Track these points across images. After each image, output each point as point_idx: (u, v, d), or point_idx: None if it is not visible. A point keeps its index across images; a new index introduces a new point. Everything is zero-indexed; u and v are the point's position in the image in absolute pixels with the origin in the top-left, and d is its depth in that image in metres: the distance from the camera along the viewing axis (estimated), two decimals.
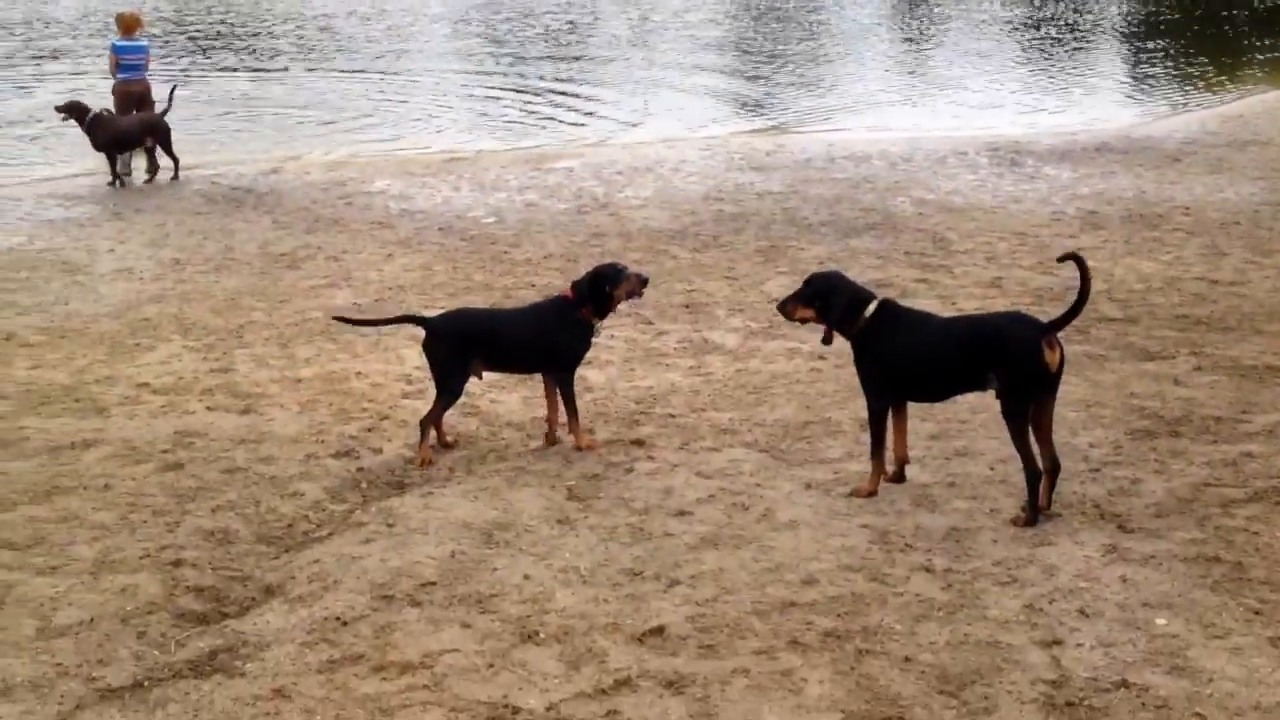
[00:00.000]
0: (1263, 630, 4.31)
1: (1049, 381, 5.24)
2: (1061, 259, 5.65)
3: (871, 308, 5.60)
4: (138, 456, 6.23)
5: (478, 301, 9.11)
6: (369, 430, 6.68)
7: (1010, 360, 5.21)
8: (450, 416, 6.84)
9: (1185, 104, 19.24)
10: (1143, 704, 3.94)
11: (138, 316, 8.81)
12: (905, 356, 5.55)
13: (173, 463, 6.14)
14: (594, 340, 6.50)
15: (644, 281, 6.41)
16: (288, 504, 5.72)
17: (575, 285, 6.37)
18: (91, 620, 4.63)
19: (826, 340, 5.75)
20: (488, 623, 4.56)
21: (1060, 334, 5.27)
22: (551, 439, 6.42)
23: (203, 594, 4.86)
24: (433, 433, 6.37)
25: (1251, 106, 17.92)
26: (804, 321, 5.80)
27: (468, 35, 28.57)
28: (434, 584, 4.85)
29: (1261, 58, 24.32)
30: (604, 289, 6.28)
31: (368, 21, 30.72)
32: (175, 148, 13.64)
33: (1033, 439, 5.30)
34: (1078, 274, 5.30)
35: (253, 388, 7.33)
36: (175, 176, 13.61)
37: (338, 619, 4.58)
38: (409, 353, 7.98)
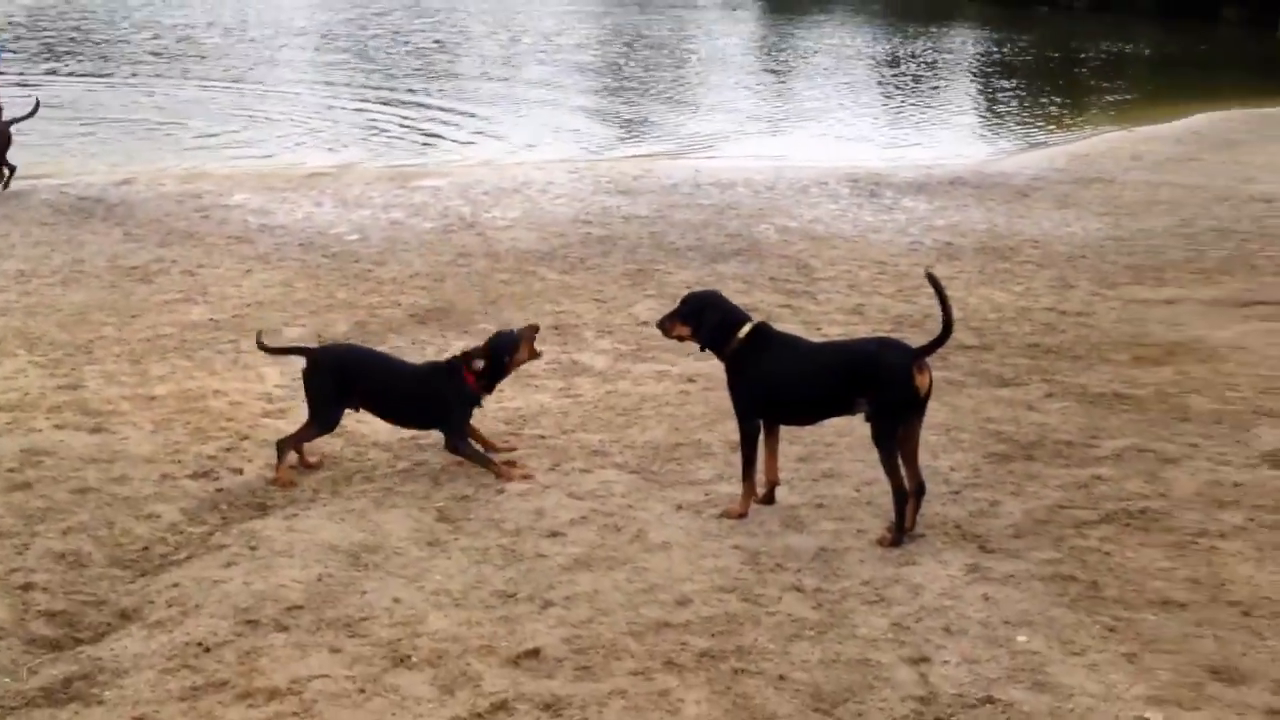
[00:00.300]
0: (1118, 646, 4.46)
1: (918, 405, 5.35)
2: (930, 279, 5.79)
3: (746, 329, 5.66)
4: None
5: (340, 320, 8.98)
6: (228, 450, 6.49)
7: (882, 384, 5.30)
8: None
9: (1037, 141, 19.96)
10: (1008, 719, 4.03)
11: None
12: (777, 380, 5.61)
13: (20, 482, 5.88)
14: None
15: (535, 329, 6.43)
16: (143, 526, 5.52)
17: (466, 356, 6.29)
18: None
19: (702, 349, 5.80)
20: (357, 647, 4.46)
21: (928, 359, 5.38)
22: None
23: (55, 619, 4.66)
24: (293, 454, 6.24)
25: (1096, 146, 18.65)
26: (681, 339, 5.83)
27: (335, 51, 28.22)
28: (300, 608, 4.73)
29: (1108, 99, 25.37)
30: (502, 360, 6.27)
31: (230, 34, 30.12)
32: (18, 157, 13.16)
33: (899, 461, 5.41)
34: (937, 301, 5.41)
35: (104, 405, 7.07)
36: (5, 185, 13.06)
37: (199, 644, 4.43)
38: (270, 371, 7.80)
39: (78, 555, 5.17)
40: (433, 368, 6.52)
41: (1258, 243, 11.91)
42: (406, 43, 29.69)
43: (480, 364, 6.22)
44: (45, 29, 28.23)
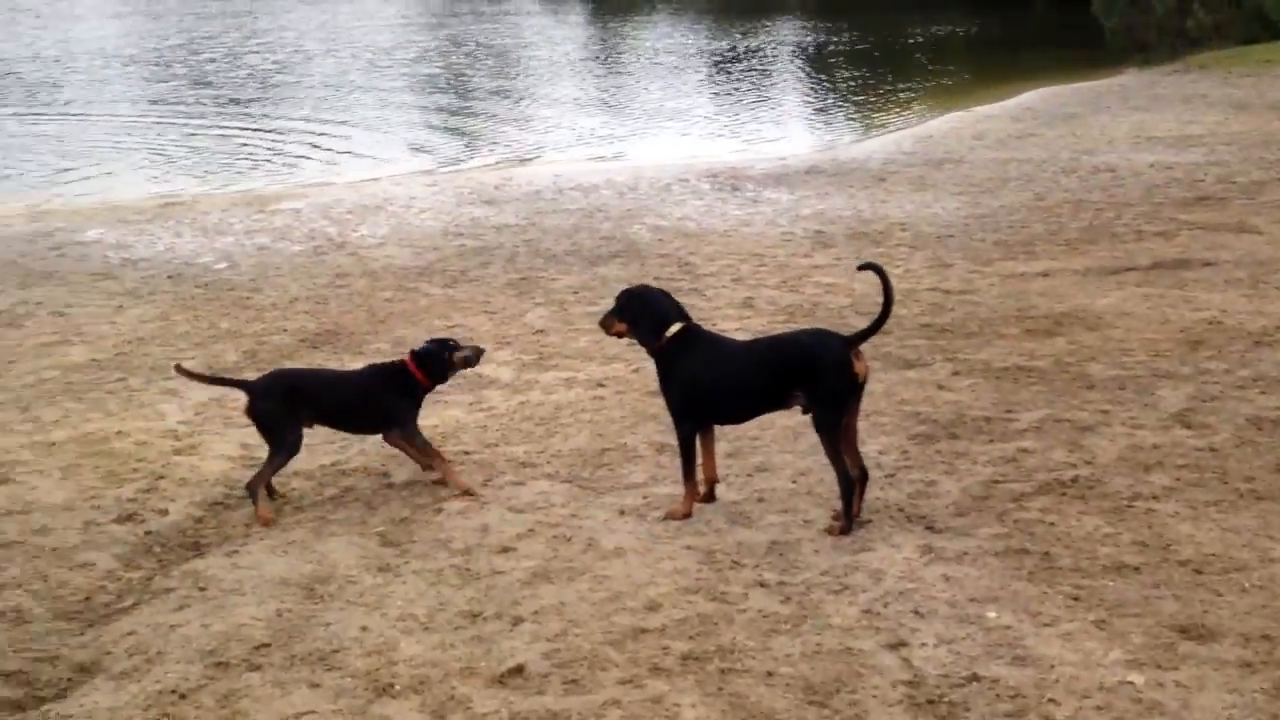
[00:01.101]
0: (1086, 615, 4.59)
1: (857, 393, 5.44)
2: (861, 268, 5.89)
3: (674, 329, 5.68)
4: None
5: (228, 350, 8.74)
6: (147, 492, 6.26)
7: (821, 375, 5.37)
8: (233, 471, 6.53)
9: (881, 126, 20.45)
10: (997, 695, 4.13)
11: None
12: (706, 380, 5.64)
13: None
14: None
15: (480, 353, 6.52)
16: (79, 576, 5.29)
17: (414, 353, 6.32)
18: None
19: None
20: (336, 680, 4.35)
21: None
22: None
23: (10, 679, 4.42)
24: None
25: (939, 127, 19.18)
26: (620, 335, 5.85)
27: (170, 78, 27.38)
28: (268, 645, 4.59)
29: (941, 81, 26.13)
30: (440, 360, 6.30)
31: (57, 63, 29.02)
32: None
33: None
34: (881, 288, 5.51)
35: (2, 455, 6.75)
36: None
37: (173, 692, 4.26)
38: (168, 407, 7.58)
39: (19, 612, 4.93)
40: (376, 369, 6.46)
41: (1112, 211, 12.40)
42: (244, 66, 29.02)
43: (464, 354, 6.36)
44: None
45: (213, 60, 30.00)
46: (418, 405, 6.30)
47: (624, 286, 10.15)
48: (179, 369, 6.38)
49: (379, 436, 6.43)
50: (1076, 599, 4.70)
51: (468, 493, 6.10)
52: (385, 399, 6.19)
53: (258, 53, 31.40)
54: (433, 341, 6.41)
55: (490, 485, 6.22)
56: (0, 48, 31.83)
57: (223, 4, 42.71)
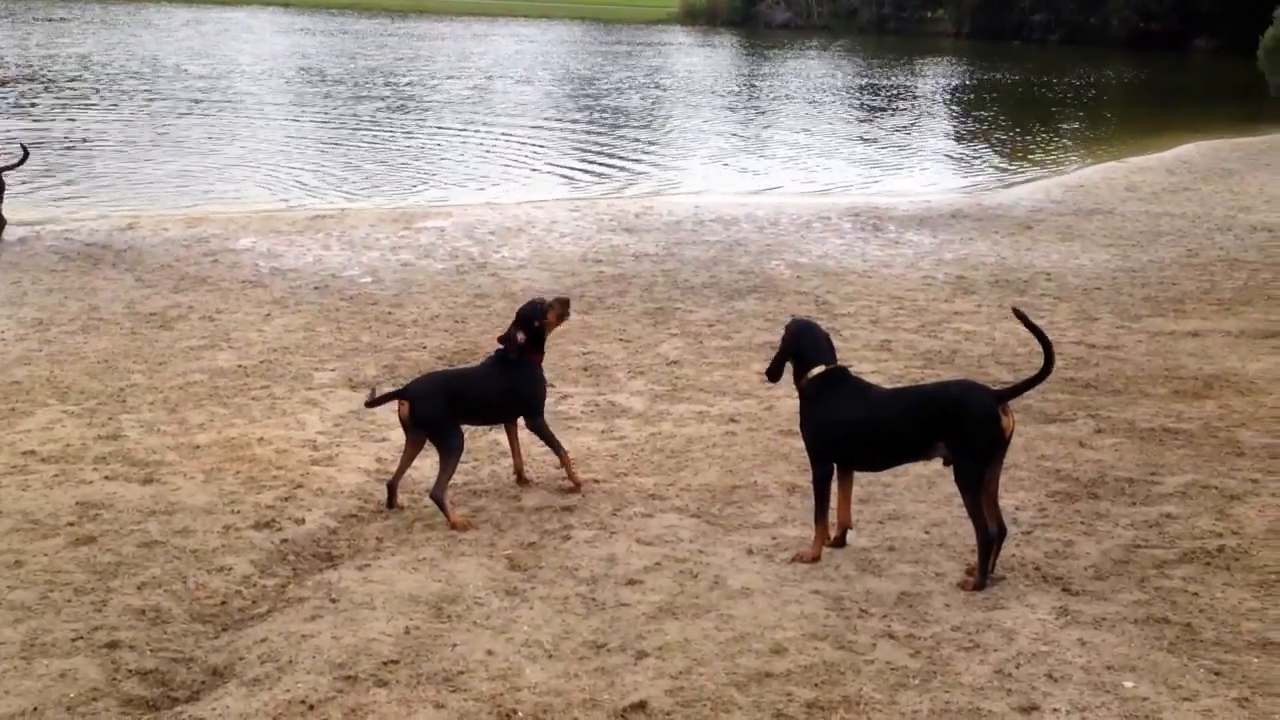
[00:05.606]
0: (1227, 691, 4.42)
1: (1002, 448, 5.32)
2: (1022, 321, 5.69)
3: (818, 370, 5.62)
4: (43, 530, 5.83)
5: (368, 364, 8.91)
6: (285, 500, 6.40)
7: (968, 428, 5.26)
8: (367, 485, 6.64)
9: (1030, 173, 20.13)
10: None
11: (7, 380, 8.32)
12: (848, 423, 5.57)
13: (83, 536, 5.76)
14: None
15: (566, 304, 6.76)
16: (217, 579, 5.42)
17: (508, 337, 6.53)
18: (35, 709, 4.27)
19: (770, 376, 5.78)
20: (461, 702, 4.38)
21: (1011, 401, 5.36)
22: (521, 479, 6.71)
23: (147, 678, 4.54)
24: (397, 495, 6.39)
25: (1090, 177, 18.82)
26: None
27: (364, 97, 28.36)
28: (396, 662, 4.64)
29: (1093, 130, 25.64)
30: (534, 325, 6.56)
31: (257, 77, 30.13)
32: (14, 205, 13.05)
33: None
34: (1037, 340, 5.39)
35: (149, 455, 6.97)
36: None
37: (303, 702, 4.33)
38: (309, 417, 7.74)
39: (157, 611, 5.06)
40: (498, 361, 6.59)
41: (1269, 272, 12.01)
42: (439, 89, 29.97)
43: (521, 336, 6.53)
44: (53, 74, 28.20)
45: (411, 82, 31.01)
46: (542, 384, 6.64)
47: (759, 322, 10.27)
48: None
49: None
50: (1218, 674, 4.53)
51: (578, 486, 6.53)
52: (518, 387, 6.48)
53: (455, 76, 32.35)
54: (526, 309, 6.60)
55: (619, 515, 6.23)
56: (206, 61, 33.17)
57: (432, 25, 44.26)
